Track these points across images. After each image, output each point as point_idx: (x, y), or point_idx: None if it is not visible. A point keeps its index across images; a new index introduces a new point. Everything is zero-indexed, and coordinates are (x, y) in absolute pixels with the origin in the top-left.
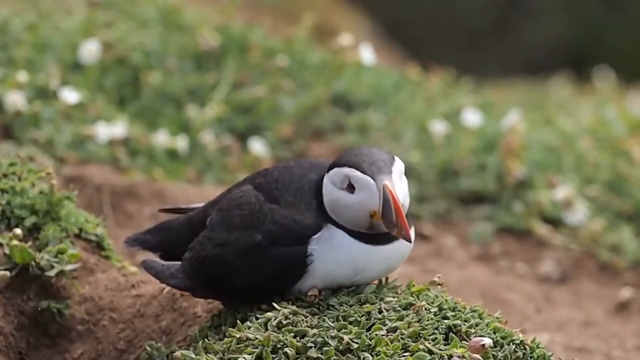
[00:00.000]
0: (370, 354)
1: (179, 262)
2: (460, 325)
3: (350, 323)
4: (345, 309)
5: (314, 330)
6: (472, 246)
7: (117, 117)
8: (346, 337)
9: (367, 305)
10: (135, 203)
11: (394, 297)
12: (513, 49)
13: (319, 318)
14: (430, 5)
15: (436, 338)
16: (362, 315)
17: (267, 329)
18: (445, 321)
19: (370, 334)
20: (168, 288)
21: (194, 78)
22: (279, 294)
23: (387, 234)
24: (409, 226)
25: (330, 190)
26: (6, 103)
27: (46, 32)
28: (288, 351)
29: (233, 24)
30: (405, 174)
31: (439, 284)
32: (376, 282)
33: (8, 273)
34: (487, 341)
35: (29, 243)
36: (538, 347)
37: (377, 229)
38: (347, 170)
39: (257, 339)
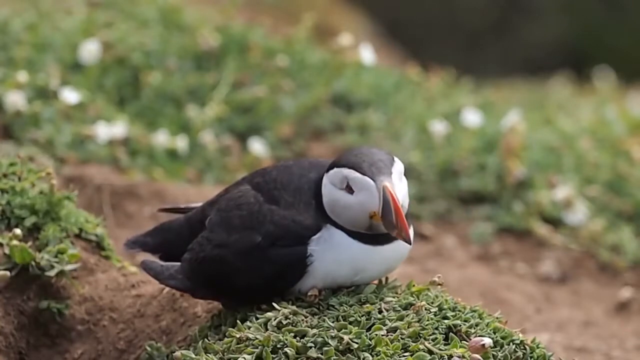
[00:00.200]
0: (370, 354)
1: (179, 263)
2: (460, 325)
3: (350, 323)
4: (345, 309)
5: (314, 330)
6: (472, 246)
7: (117, 117)
8: (346, 337)
9: (367, 305)
10: (135, 203)
11: (394, 297)
12: (513, 49)
13: (319, 318)
14: (430, 5)
15: (436, 338)
16: (362, 315)
17: (267, 329)
18: (445, 321)
19: (370, 334)
20: (168, 288)
21: (194, 78)
22: (279, 295)
23: (386, 234)
24: (408, 227)
25: (330, 191)
26: (6, 103)
27: (46, 32)
28: (288, 351)
29: (233, 24)
30: (405, 174)
31: (439, 284)
32: (376, 282)
33: (8, 273)
34: (487, 341)
35: (29, 243)
36: (538, 347)
37: (377, 230)
38: (346, 171)
39: (257, 339)
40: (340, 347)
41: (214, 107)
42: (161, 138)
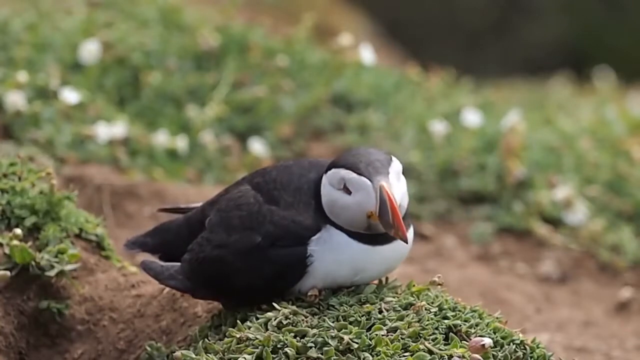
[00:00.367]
0: (370, 354)
1: (178, 263)
2: (460, 325)
3: (351, 323)
4: (345, 309)
5: (314, 330)
6: (472, 246)
7: (117, 117)
8: (346, 337)
9: (367, 305)
10: (135, 203)
11: (394, 297)
12: (513, 49)
13: (319, 318)
14: (430, 5)
15: (436, 338)
16: (362, 315)
17: (267, 329)
18: (445, 321)
19: (370, 334)
20: (168, 288)
21: (194, 78)
22: (279, 295)
23: (386, 234)
24: (406, 227)
25: (328, 191)
26: (6, 103)
27: (46, 32)
28: (288, 351)
29: (233, 24)
30: (405, 174)
31: (439, 284)
32: (376, 282)
33: (8, 273)
34: (487, 341)
35: (29, 243)
36: (538, 347)
37: (375, 230)
38: (343, 171)
39: (257, 339)
40: (340, 347)
41: (214, 107)
42: (161, 138)
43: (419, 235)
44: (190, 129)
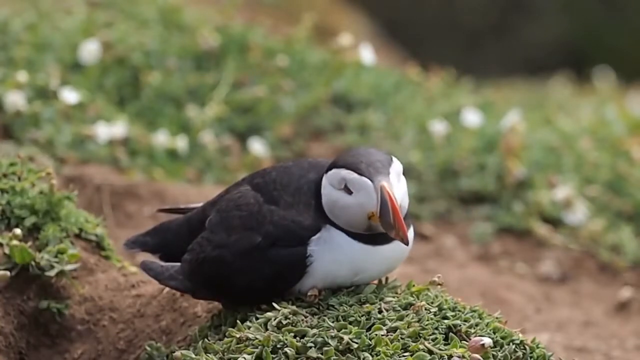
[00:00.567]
0: (370, 354)
1: (178, 263)
2: (460, 325)
3: (350, 323)
4: (345, 309)
5: (314, 330)
6: (472, 246)
7: (117, 117)
8: (346, 337)
9: (367, 305)
10: (135, 203)
11: (394, 297)
12: (513, 49)
13: (319, 318)
14: (430, 5)
15: (436, 338)
16: (362, 315)
17: (267, 329)
18: (445, 321)
19: (370, 334)
20: (168, 288)
21: (194, 78)
22: (279, 295)
23: (386, 234)
24: (407, 227)
25: (329, 191)
26: (6, 103)
27: (46, 32)
28: (288, 351)
29: (233, 24)
30: (405, 174)
31: (439, 284)
32: (376, 282)
33: (8, 273)
34: (487, 341)
35: (29, 243)
36: (538, 347)
37: (375, 230)
38: (344, 172)
39: (257, 339)
40: (340, 347)
41: (214, 107)
42: (161, 138)
43: (419, 235)
44: (190, 129)
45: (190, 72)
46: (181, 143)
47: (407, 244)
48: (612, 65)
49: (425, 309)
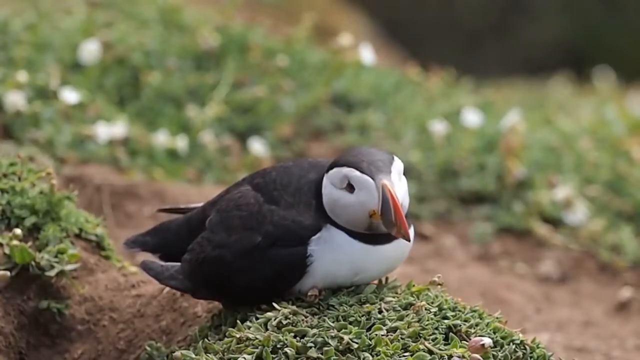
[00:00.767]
0: (370, 354)
1: (179, 263)
2: (460, 325)
3: (350, 323)
4: (345, 309)
5: (314, 330)
6: (472, 246)
7: (117, 117)
8: (346, 337)
9: (367, 305)
10: (135, 203)
11: (394, 297)
12: (513, 49)
13: (319, 318)
14: (430, 5)
15: (436, 338)
16: (362, 315)
17: (267, 329)
18: (445, 321)
19: (370, 334)
20: (168, 288)
21: (194, 78)
22: (279, 295)
23: (386, 234)
24: (408, 226)
25: (330, 191)
26: (6, 103)
27: (46, 32)
28: (288, 351)
29: (233, 24)
30: (405, 174)
31: (439, 284)
32: (376, 282)
33: (8, 273)
34: (487, 341)
35: (29, 243)
36: (538, 347)
37: (377, 229)
38: (346, 170)
39: (257, 339)
40: (340, 347)
41: (214, 107)
42: (161, 138)
43: (419, 235)
44: (190, 129)
45: (190, 72)
46: (181, 143)
47: (409, 240)
48: (612, 65)
49: (426, 309)
